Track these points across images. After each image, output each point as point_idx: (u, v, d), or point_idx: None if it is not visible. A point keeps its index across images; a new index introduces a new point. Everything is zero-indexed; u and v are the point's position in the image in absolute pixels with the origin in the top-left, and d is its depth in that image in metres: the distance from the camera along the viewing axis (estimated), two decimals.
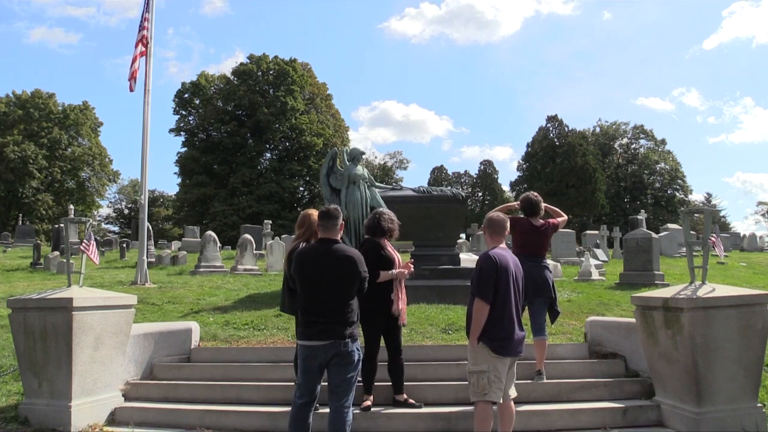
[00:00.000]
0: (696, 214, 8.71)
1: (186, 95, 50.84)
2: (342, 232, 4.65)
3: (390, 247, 5.12)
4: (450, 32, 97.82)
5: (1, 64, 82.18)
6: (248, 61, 50.96)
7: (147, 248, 13.92)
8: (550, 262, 14.53)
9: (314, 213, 5.07)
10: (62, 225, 9.74)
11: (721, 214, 59.57)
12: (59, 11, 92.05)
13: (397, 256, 5.10)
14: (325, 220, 4.30)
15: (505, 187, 58.18)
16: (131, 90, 13.13)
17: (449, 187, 17.16)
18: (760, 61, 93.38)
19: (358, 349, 4.17)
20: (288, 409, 5.10)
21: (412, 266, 5.09)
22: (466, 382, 4.32)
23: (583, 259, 14.73)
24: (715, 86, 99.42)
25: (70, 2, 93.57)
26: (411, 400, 5.09)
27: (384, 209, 5.64)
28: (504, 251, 4.28)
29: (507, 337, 4.12)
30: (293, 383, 5.15)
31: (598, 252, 20.82)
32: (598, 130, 62.47)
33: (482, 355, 4.04)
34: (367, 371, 5.09)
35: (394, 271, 4.95)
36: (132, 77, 13.03)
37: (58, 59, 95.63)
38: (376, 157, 64.98)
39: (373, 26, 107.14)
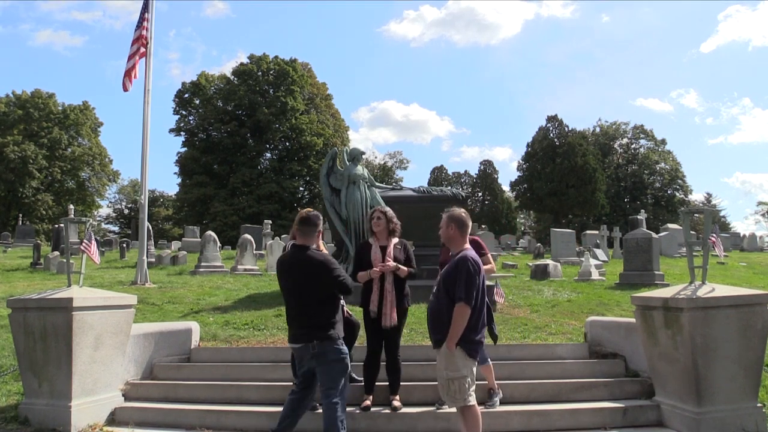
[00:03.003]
0: (696, 214, 8.72)
1: (186, 95, 50.81)
2: (320, 237, 4.80)
3: (376, 247, 5.08)
4: (450, 35, 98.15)
5: (4, 65, 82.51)
6: (248, 61, 50.96)
7: (147, 248, 13.91)
8: (550, 262, 14.56)
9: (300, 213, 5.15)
10: (62, 225, 9.74)
11: (721, 214, 59.58)
12: (65, 16, 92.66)
13: (381, 256, 5.03)
14: (304, 226, 4.40)
15: (505, 187, 58.24)
16: (125, 89, 12.88)
17: (449, 187, 17.17)
18: (757, 64, 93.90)
19: (337, 348, 4.25)
20: None
21: (390, 263, 4.95)
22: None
23: (583, 259, 14.72)
24: (713, 88, 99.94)
25: (77, 7, 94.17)
26: (397, 405, 5.00)
27: (380, 206, 5.60)
28: (474, 253, 4.24)
29: (481, 340, 4.14)
30: (293, 383, 5.17)
31: (598, 252, 20.81)
32: (598, 130, 62.43)
33: (460, 360, 3.99)
34: (367, 371, 5.10)
35: (369, 271, 4.96)
36: (127, 75, 12.83)
37: (62, 61, 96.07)
38: (376, 157, 65.03)
39: (373, 29, 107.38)
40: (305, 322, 4.27)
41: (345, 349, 4.38)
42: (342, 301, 5.27)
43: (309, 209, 4.84)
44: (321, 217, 4.55)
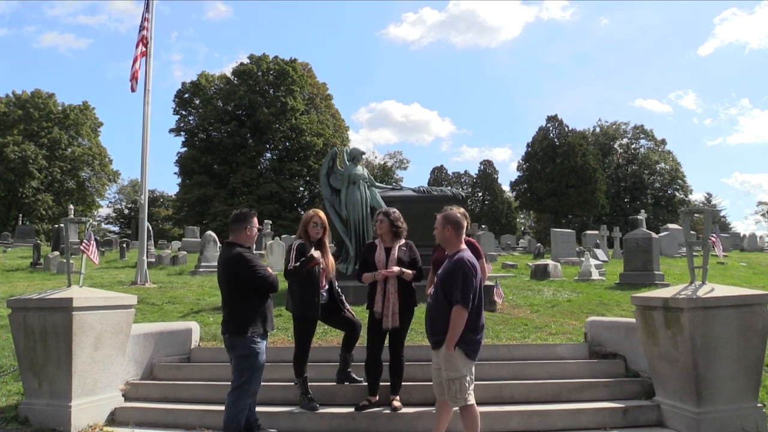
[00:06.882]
0: (696, 214, 8.72)
1: (186, 95, 50.79)
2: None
3: (381, 248, 5.07)
4: (450, 37, 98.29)
5: (6, 67, 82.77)
6: (248, 61, 50.93)
7: (147, 248, 13.92)
8: (550, 262, 14.54)
9: (311, 213, 5.15)
10: (62, 225, 9.75)
11: (722, 214, 59.61)
12: (70, 20, 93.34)
13: (386, 257, 5.02)
14: (232, 224, 4.60)
15: (505, 187, 58.24)
16: (132, 90, 13.22)
17: (449, 187, 17.16)
18: (755, 66, 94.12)
19: (246, 346, 4.35)
20: (288, 408, 5.14)
21: (394, 269, 4.91)
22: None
23: (583, 259, 14.71)
24: (711, 89, 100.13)
25: (83, 11, 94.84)
26: (398, 405, 5.00)
27: (385, 208, 5.59)
28: (470, 254, 4.20)
29: (480, 341, 4.12)
30: (293, 383, 5.17)
31: (598, 252, 20.80)
32: (598, 130, 62.44)
33: (460, 360, 4.00)
34: (368, 371, 5.09)
35: (374, 273, 4.96)
36: (133, 77, 13.12)
37: (64, 62, 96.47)
38: (376, 157, 64.94)
39: (372, 33, 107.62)
40: (225, 316, 4.54)
41: (257, 346, 4.39)
42: (343, 300, 5.28)
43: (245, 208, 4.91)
44: (249, 214, 4.63)
